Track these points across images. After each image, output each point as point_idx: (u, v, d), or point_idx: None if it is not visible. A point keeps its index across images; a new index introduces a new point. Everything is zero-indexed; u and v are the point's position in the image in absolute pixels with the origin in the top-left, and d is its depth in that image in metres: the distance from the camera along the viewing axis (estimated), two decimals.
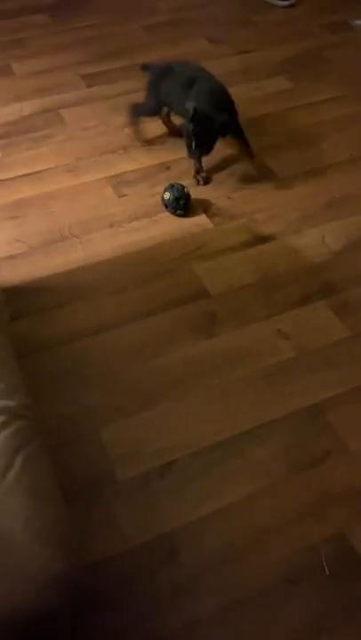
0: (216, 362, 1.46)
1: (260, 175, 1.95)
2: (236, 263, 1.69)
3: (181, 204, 1.79)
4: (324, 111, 2.24)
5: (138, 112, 2.04)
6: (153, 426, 1.34)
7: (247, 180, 1.95)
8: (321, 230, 1.78)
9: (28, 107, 2.29)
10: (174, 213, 1.81)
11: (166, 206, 1.80)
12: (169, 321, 1.55)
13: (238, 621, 1.07)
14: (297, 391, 1.39)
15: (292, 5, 2.90)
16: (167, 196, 1.79)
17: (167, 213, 1.83)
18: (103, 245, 1.75)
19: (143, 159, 2.03)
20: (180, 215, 1.81)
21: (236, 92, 2.33)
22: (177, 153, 2.01)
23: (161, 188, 1.89)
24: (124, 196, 1.90)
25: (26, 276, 1.67)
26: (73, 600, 0.73)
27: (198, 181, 1.91)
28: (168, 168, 1.99)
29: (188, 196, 1.80)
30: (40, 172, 2.00)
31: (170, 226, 1.81)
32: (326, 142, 2.10)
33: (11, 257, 1.73)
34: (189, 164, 1.96)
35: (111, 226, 1.81)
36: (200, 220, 1.82)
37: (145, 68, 2.03)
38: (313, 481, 1.25)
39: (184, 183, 1.84)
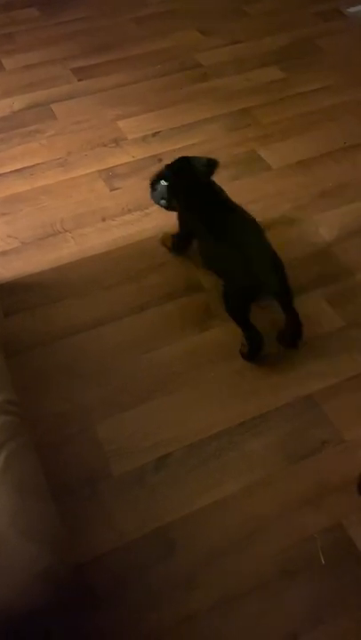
0: (211, 355, 1.45)
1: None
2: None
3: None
4: (318, 100, 2.22)
5: None
6: (148, 420, 1.33)
7: (240, 170, 1.94)
8: (315, 220, 1.77)
9: (18, 101, 2.28)
10: (157, 203, 1.62)
11: (155, 196, 1.65)
12: (163, 315, 1.54)
13: (236, 614, 1.07)
14: (292, 382, 1.39)
15: None
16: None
17: (159, 207, 1.81)
18: (96, 240, 1.74)
19: (135, 152, 2.02)
20: (163, 206, 1.62)
21: (229, 82, 2.33)
22: (168, 145, 2.00)
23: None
24: (117, 189, 1.89)
25: (18, 272, 1.66)
26: (64, 595, 0.73)
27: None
28: (160, 160, 1.98)
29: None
30: (31, 166, 1.99)
31: (163, 219, 1.79)
32: (320, 131, 2.08)
33: (3, 253, 1.72)
34: None
35: (103, 220, 1.80)
36: None
37: None
38: (309, 472, 1.25)
39: None
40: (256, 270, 1.36)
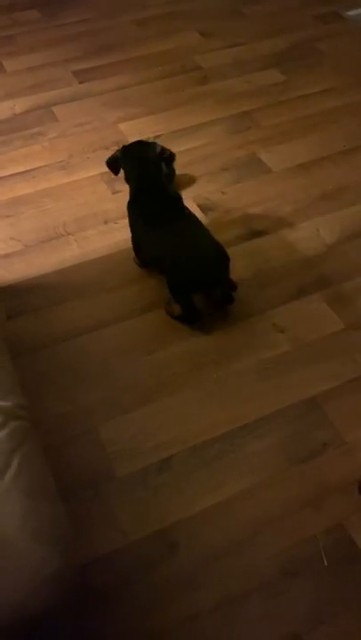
0: (213, 356, 1.46)
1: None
2: (230, 257, 1.69)
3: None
4: (318, 103, 2.24)
5: None
6: (151, 421, 1.34)
7: (240, 173, 1.95)
8: (315, 223, 1.78)
9: (19, 104, 2.29)
10: None
11: None
12: (165, 316, 1.55)
13: (238, 614, 1.08)
14: (293, 384, 1.40)
15: None
16: None
17: None
18: (98, 242, 1.75)
19: None
20: None
21: (229, 85, 2.34)
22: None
23: None
24: (118, 192, 1.89)
25: (21, 275, 1.67)
26: (71, 597, 0.74)
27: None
28: None
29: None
30: (33, 169, 2.00)
31: None
32: (320, 134, 2.10)
33: (6, 255, 1.73)
34: (184, 160, 1.96)
35: (106, 222, 1.81)
36: None
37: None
38: (311, 473, 1.26)
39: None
40: (200, 263, 1.44)
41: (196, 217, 1.55)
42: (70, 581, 0.73)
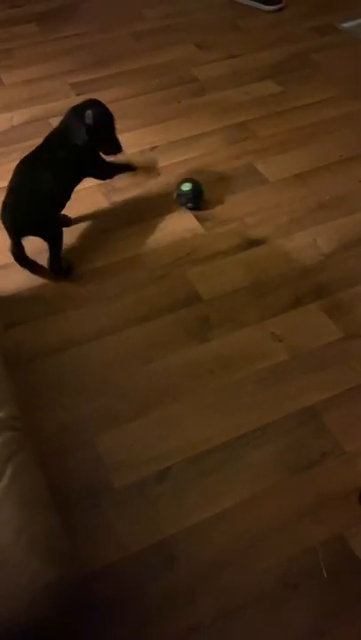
0: (210, 366, 1.46)
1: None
2: (227, 267, 1.70)
3: (197, 198, 1.82)
4: (314, 113, 2.25)
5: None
6: (149, 432, 1.34)
7: (238, 183, 1.96)
8: (312, 232, 1.79)
9: (17, 116, 2.30)
10: (183, 205, 1.84)
11: (179, 196, 1.84)
12: (162, 326, 1.55)
13: (238, 627, 1.07)
14: (292, 393, 1.40)
15: (278, 10, 2.91)
16: (186, 187, 1.82)
17: (158, 219, 1.84)
18: (96, 253, 1.75)
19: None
20: (189, 208, 1.83)
21: (226, 96, 2.36)
22: (166, 159, 2.02)
23: (152, 194, 1.90)
24: (116, 202, 1.90)
25: (19, 285, 1.67)
26: (67, 610, 0.73)
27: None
28: (159, 174, 2.00)
29: (202, 192, 1.83)
30: None
31: (162, 232, 1.81)
32: (316, 144, 2.11)
33: (3, 266, 1.73)
34: (181, 171, 1.97)
35: (103, 232, 1.81)
36: (191, 225, 1.82)
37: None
38: (310, 483, 1.25)
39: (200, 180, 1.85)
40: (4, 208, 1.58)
41: (57, 166, 1.63)
42: (66, 594, 0.72)
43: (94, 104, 1.71)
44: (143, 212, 1.87)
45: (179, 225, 1.83)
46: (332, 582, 1.12)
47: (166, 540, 1.17)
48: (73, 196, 1.96)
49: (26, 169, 1.63)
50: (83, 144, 1.65)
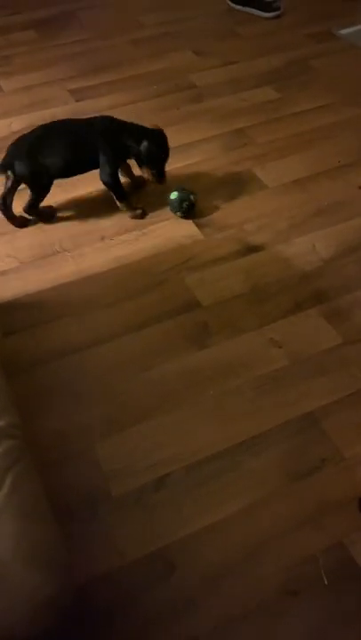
0: (209, 373, 1.45)
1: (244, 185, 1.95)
2: (226, 273, 1.69)
3: (184, 207, 1.83)
4: (312, 120, 2.26)
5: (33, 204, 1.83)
6: (147, 439, 1.33)
7: (236, 190, 1.96)
8: (311, 238, 1.79)
9: (16, 122, 2.30)
10: (174, 214, 1.85)
11: (169, 205, 1.86)
12: (161, 333, 1.55)
13: (238, 635, 1.06)
14: (291, 400, 1.39)
15: (276, 17, 2.93)
16: (173, 195, 1.83)
17: (157, 226, 1.84)
18: (94, 259, 1.75)
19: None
20: (179, 216, 1.85)
21: (224, 103, 2.37)
22: (166, 166, 2.01)
23: (151, 200, 1.91)
24: (115, 209, 1.90)
25: (17, 292, 1.67)
26: (67, 622, 0.72)
27: (138, 217, 1.86)
28: None
29: (192, 202, 1.83)
30: None
31: (160, 238, 1.81)
32: (315, 150, 2.11)
33: (2, 272, 1.73)
34: (180, 177, 1.98)
35: (102, 239, 1.81)
36: (190, 231, 1.83)
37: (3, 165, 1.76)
38: (310, 490, 1.24)
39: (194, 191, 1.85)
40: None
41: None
42: (65, 606, 0.71)
43: (156, 135, 1.79)
44: (141, 219, 1.87)
45: (178, 231, 1.83)
46: (332, 590, 1.11)
47: (165, 548, 1.16)
48: (70, 202, 1.97)
49: (62, 130, 1.80)
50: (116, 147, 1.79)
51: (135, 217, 1.86)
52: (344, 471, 1.27)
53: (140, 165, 1.83)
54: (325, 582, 1.11)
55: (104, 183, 1.83)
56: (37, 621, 0.67)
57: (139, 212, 1.87)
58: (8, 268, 1.74)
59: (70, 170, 1.81)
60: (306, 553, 1.15)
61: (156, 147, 1.78)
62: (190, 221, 1.85)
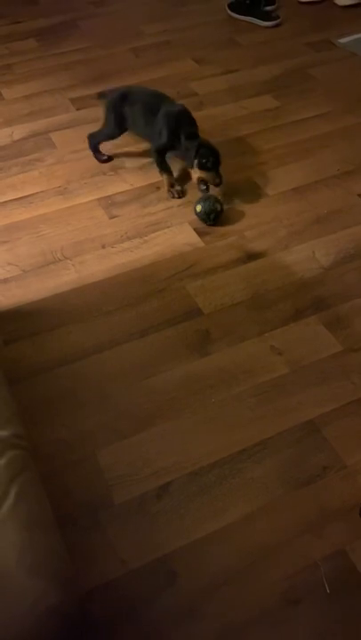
0: (211, 380, 1.46)
1: (246, 194, 1.97)
2: (227, 281, 1.70)
3: (212, 218, 1.85)
4: (311, 128, 2.27)
5: (98, 138, 2.10)
6: (149, 447, 1.33)
7: (236, 198, 1.97)
8: (310, 246, 1.80)
9: (17, 131, 2.32)
10: (205, 224, 1.88)
11: (197, 217, 1.89)
12: (163, 340, 1.55)
13: None
14: (292, 407, 1.40)
15: (276, 26, 2.95)
16: (199, 208, 1.85)
17: (158, 233, 1.85)
18: (95, 267, 1.76)
19: (133, 180, 2.05)
20: (210, 225, 1.88)
21: (223, 111, 2.38)
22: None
23: (152, 209, 1.93)
24: (115, 217, 1.91)
25: (19, 300, 1.68)
26: (70, 631, 0.72)
27: (173, 195, 1.97)
28: (158, 188, 2.01)
29: (218, 212, 1.86)
30: (31, 195, 2.02)
31: (161, 246, 1.82)
32: (314, 158, 2.12)
33: (3, 280, 1.73)
34: (179, 185, 1.99)
35: (103, 247, 1.82)
36: (191, 239, 1.83)
37: (102, 95, 2.10)
38: (311, 498, 1.24)
39: (217, 197, 1.88)
40: None
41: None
42: (68, 616, 0.71)
43: (203, 146, 1.90)
44: (143, 226, 1.88)
45: (178, 239, 1.84)
46: (334, 598, 1.11)
47: (167, 556, 1.16)
48: (71, 210, 1.99)
49: (149, 97, 2.05)
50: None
51: (171, 194, 1.96)
52: (345, 479, 1.27)
53: (188, 165, 1.95)
54: (327, 590, 1.11)
55: (151, 153, 2.02)
56: (41, 631, 0.68)
57: (177, 188, 1.98)
58: (9, 275, 1.75)
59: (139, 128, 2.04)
60: (307, 561, 1.15)
61: (206, 158, 1.88)
62: (191, 229, 1.86)
